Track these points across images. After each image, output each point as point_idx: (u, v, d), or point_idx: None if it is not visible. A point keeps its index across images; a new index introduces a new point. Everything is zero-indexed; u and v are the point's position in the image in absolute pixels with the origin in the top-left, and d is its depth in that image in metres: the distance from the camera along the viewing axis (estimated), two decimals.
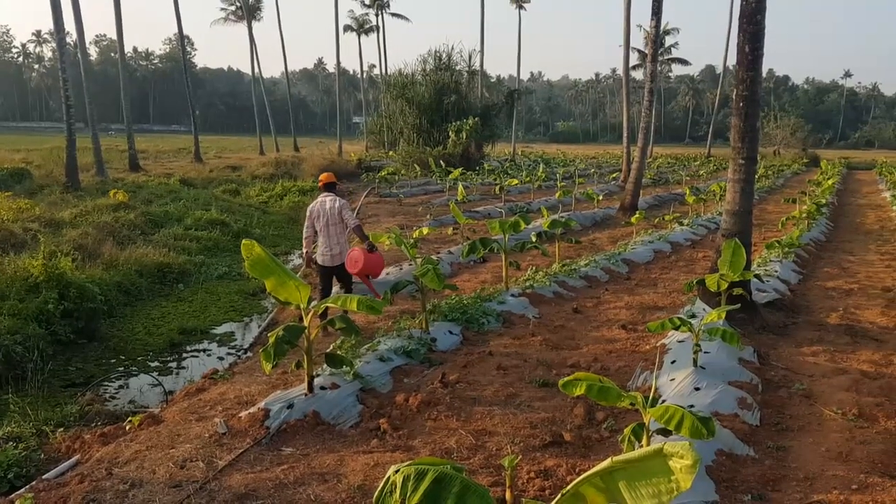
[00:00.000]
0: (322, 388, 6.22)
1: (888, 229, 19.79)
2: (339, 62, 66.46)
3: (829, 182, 30.35)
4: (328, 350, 7.04)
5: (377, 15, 70.37)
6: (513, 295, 10.00)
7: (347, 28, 72.80)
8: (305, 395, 6.07)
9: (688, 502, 4.18)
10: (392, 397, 6.37)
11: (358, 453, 5.21)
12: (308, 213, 8.96)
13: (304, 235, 9.06)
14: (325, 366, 6.47)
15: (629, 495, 2.29)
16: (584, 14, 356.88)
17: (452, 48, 40.95)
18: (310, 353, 6.08)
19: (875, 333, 8.67)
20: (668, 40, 72.42)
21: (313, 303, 6.44)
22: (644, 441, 4.31)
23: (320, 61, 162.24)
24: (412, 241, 12.62)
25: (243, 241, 5.91)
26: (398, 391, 6.53)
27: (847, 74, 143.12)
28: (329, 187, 9.00)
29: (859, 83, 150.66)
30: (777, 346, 8.17)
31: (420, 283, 8.21)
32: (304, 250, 9.10)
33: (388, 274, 11.57)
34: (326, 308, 6.85)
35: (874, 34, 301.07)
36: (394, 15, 72.28)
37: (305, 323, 6.07)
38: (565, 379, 4.51)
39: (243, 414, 5.84)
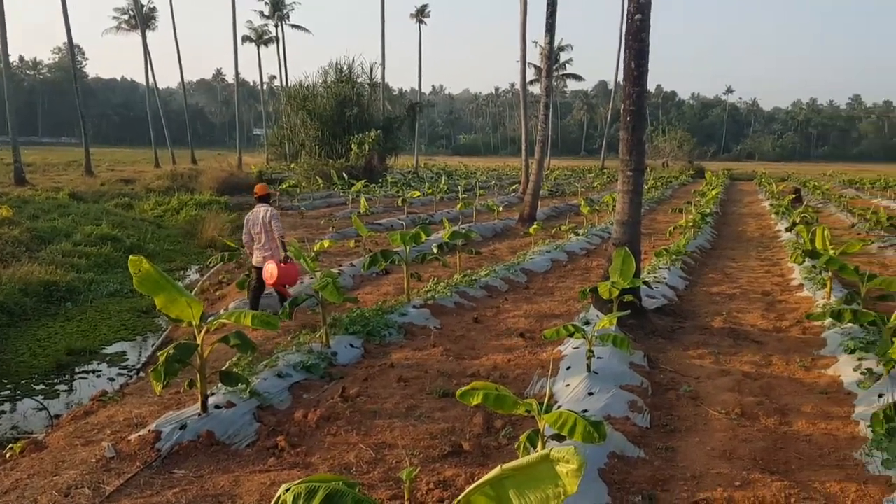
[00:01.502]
0: (217, 407, 6.03)
1: (767, 237, 21.05)
2: (237, 73, 64.84)
3: (714, 192, 32.00)
4: (223, 368, 6.84)
5: (277, 26, 69.41)
6: (414, 306, 10.02)
7: (246, 39, 71.41)
8: (199, 414, 5.87)
9: None
10: (291, 414, 6.26)
11: (254, 473, 5.09)
12: (245, 221, 10.15)
13: (244, 241, 10.26)
14: (220, 384, 6.29)
15: (518, 502, 2.34)
16: (484, 29, 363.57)
17: (354, 60, 40.88)
18: (203, 372, 5.89)
19: (756, 336, 9.18)
20: (563, 56, 74.89)
21: (210, 318, 6.26)
22: (539, 447, 4.40)
23: (219, 72, 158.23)
24: (313, 254, 12.50)
25: (130, 258, 5.67)
26: (297, 407, 6.42)
27: (729, 90, 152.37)
28: (263, 199, 10.19)
29: (740, 99, 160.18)
30: (666, 349, 8.53)
31: (320, 297, 8.11)
32: (248, 251, 10.30)
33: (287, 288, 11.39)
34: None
35: (754, 52, 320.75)
36: (294, 26, 71.51)
37: (198, 340, 5.88)
38: (462, 389, 4.56)
39: (133, 437, 5.59)
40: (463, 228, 14.71)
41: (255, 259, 10.04)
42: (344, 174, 32.50)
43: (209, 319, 6.27)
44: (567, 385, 6.65)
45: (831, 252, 10.68)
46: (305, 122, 38.21)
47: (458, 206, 23.23)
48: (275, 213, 10.00)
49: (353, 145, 35.74)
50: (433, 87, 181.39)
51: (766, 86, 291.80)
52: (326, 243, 12.88)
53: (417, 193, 28.59)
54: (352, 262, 13.99)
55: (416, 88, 75.88)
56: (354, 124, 37.61)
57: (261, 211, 9.95)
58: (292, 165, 41.77)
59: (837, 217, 26.67)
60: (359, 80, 40.33)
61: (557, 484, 2.30)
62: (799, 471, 5.18)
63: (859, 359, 7.44)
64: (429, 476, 4.89)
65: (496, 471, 2.38)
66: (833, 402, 6.64)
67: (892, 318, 6.78)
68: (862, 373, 7.02)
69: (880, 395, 6.29)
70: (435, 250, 12.14)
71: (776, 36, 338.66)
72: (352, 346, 8.27)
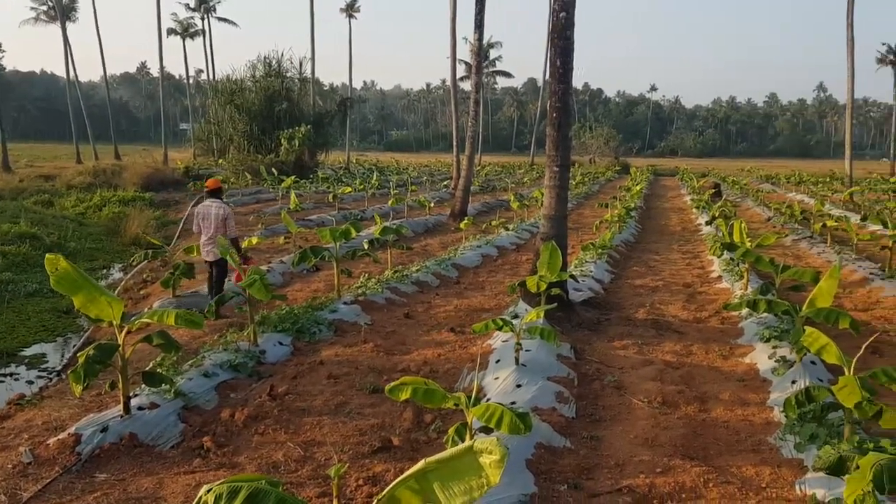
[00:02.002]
0: (140, 408, 5.87)
1: (689, 230, 21.75)
2: (162, 66, 62.70)
3: (638, 188, 32.84)
4: (147, 368, 6.66)
5: (203, 19, 67.73)
6: (345, 303, 9.97)
7: (171, 31, 69.42)
8: (121, 416, 5.70)
9: (508, 496, 4.35)
10: (217, 413, 6.15)
11: (179, 474, 4.98)
12: (195, 214, 10.03)
13: (194, 232, 10.27)
14: (144, 385, 6.13)
15: (443, 495, 2.36)
16: (415, 25, 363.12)
17: (283, 55, 40.38)
18: (125, 373, 5.73)
19: (677, 326, 9.49)
20: (493, 53, 75.51)
21: (132, 317, 6.09)
22: (467, 440, 4.45)
23: (143, 65, 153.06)
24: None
25: (47, 256, 5.46)
26: (224, 407, 6.31)
27: (653, 88, 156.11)
28: (215, 193, 9.99)
29: (664, 97, 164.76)
30: (592, 341, 8.73)
31: (247, 295, 7.98)
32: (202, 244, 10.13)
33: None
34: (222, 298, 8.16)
35: (677, 51, 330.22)
36: (221, 19, 69.83)
37: (119, 340, 5.71)
38: (392, 384, 4.58)
39: (52, 441, 5.39)
40: (394, 224, 14.72)
41: (204, 252, 9.99)
42: (273, 170, 32.02)
43: (131, 319, 6.11)
44: (496, 378, 6.73)
45: (748, 245, 11.11)
46: (233, 117, 37.52)
47: (390, 201, 23.19)
48: (229, 213, 9.89)
49: (282, 140, 35.26)
50: (364, 82, 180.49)
51: (688, 84, 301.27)
52: (255, 240, 12.69)
53: (349, 189, 28.40)
54: (281, 258, 13.81)
55: (347, 84, 75.32)
56: (284, 119, 37.17)
57: (212, 206, 9.84)
58: (220, 161, 40.89)
59: (755, 211, 27.74)
60: (288, 74, 39.89)
61: (481, 475, 2.33)
62: (717, 456, 5.39)
63: (774, 347, 7.79)
64: (358, 472, 4.89)
65: (420, 464, 2.40)
66: (749, 388, 6.92)
67: (804, 308, 7.09)
68: (776, 360, 7.34)
69: (793, 382, 6.60)
70: (366, 246, 12.08)
71: (697, 36, 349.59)
72: (281, 343, 8.18)
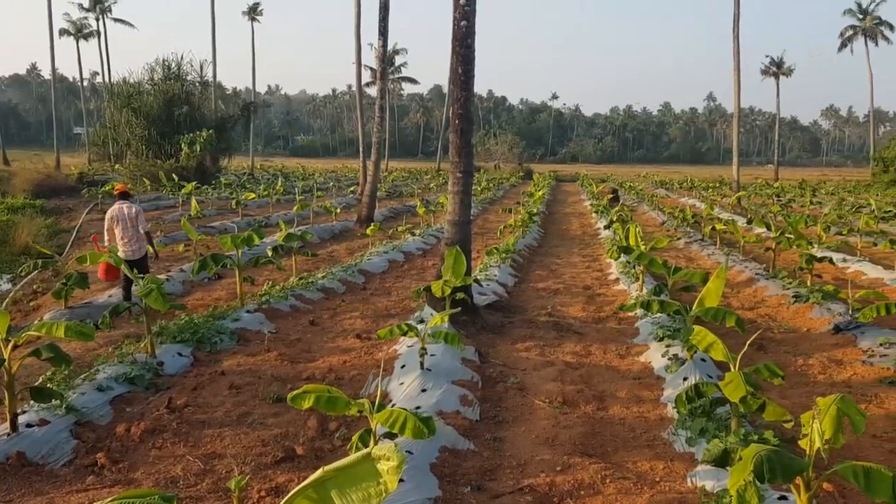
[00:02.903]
0: (29, 425, 5.58)
1: (589, 234, 22.43)
2: (54, 68, 59.55)
3: (540, 193, 33.61)
4: (37, 383, 6.34)
5: (98, 19, 64.81)
6: (248, 311, 9.77)
7: (64, 32, 66.01)
8: (8, 434, 5.41)
9: (413, 500, 4.38)
10: (112, 429, 5.91)
11: (71, 493, 4.76)
12: (108, 217, 10.45)
13: (105, 234, 10.59)
14: (32, 401, 5.82)
15: (341, 502, 2.36)
16: (320, 30, 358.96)
17: (182, 57, 39.10)
18: (11, 389, 5.43)
19: (577, 327, 9.78)
20: (398, 59, 75.64)
21: (19, 331, 5.78)
22: (371, 446, 4.45)
23: (34, 66, 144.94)
24: None
25: None
26: (119, 421, 6.07)
27: (554, 96, 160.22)
28: (125, 195, 10.69)
29: (564, 104, 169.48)
30: (496, 344, 8.88)
31: (144, 304, 7.71)
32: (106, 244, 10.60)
33: (110, 297, 10.77)
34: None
35: (577, 62, 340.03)
36: (117, 20, 67.02)
37: (4, 355, 5.41)
38: (294, 393, 4.53)
39: None
40: (299, 230, 14.52)
41: (122, 253, 10.24)
42: (174, 175, 31.06)
43: (18, 332, 5.81)
44: (401, 383, 6.76)
45: (642, 248, 11.58)
46: (131, 121, 36.17)
47: (295, 207, 22.88)
48: (140, 210, 10.55)
49: (183, 145, 34.28)
50: (269, 86, 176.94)
51: (588, 93, 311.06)
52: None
53: (253, 195, 27.83)
54: (182, 267, 13.40)
55: (251, 88, 73.71)
56: (185, 123, 36.16)
57: (124, 208, 10.35)
58: (117, 167, 39.34)
59: (650, 215, 28.88)
60: (189, 77, 38.81)
61: (379, 482, 2.35)
62: (614, 452, 5.59)
63: (667, 346, 8.14)
64: (260, 483, 4.81)
65: (318, 473, 2.40)
66: (644, 386, 7.22)
67: (694, 307, 7.46)
68: (669, 359, 7.68)
69: (685, 379, 6.92)
70: (270, 253, 11.89)
71: (596, 46, 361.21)
72: (180, 354, 7.94)
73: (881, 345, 8.22)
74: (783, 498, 4.38)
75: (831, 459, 4.32)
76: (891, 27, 67.30)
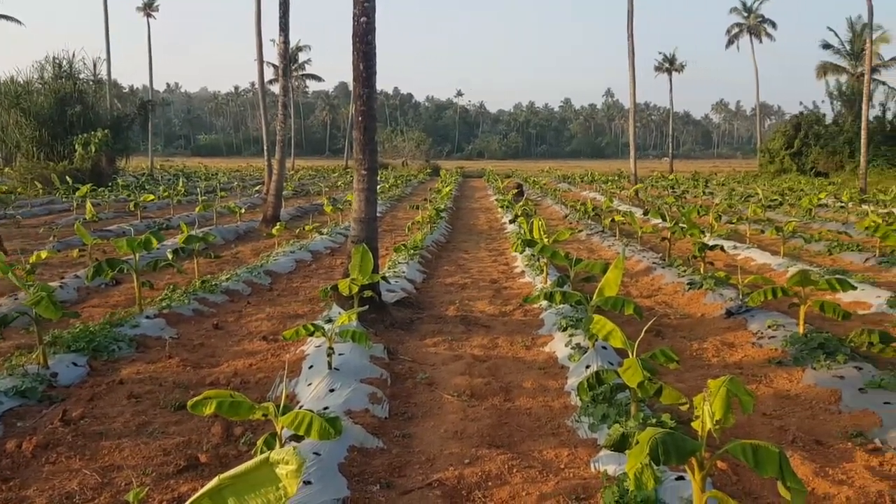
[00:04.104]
0: None
1: (495, 229, 22.77)
2: None
3: (448, 189, 33.89)
4: None
5: None
6: (148, 317, 9.42)
7: None
8: None
9: (321, 501, 4.34)
10: (2, 445, 5.58)
11: None
12: None
13: None
14: None
15: None
16: (220, 26, 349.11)
17: (74, 55, 37.41)
18: None
19: (484, 321, 9.91)
20: (302, 56, 74.57)
21: None
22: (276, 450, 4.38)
23: None
24: (28, 266, 11.21)
25: None
26: (9, 437, 5.73)
27: (459, 94, 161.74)
28: None
29: (469, 101, 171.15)
30: (405, 340, 8.90)
31: (34, 313, 7.32)
32: None
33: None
34: None
35: (480, 59, 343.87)
36: (1, 17, 63.00)
37: None
38: (194, 399, 4.41)
39: None
40: (201, 232, 14.12)
41: None
42: (67, 178, 29.67)
43: None
44: (309, 384, 6.69)
45: (546, 241, 11.85)
46: (20, 122, 34.43)
47: (198, 208, 22.20)
48: None
49: (77, 146, 32.87)
50: (168, 84, 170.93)
51: (492, 90, 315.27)
52: (44, 254, 11.63)
53: (152, 197, 26.81)
54: (76, 273, 12.79)
55: (148, 85, 70.97)
56: (78, 123, 34.76)
57: None
58: (6, 170, 37.25)
59: (554, 209, 29.58)
60: (81, 76, 37.26)
61: (278, 486, 2.31)
62: (521, 442, 5.70)
63: (570, 335, 8.36)
64: (162, 494, 4.66)
65: (215, 481, 2.34)
66: (549, 376, 7.39)
67: (594, 297, 7.70)
68: (572, 348, 7.89)
69: (587, 367, 7.12)
70: (170, 256, 11.50)
71: (500, 43, 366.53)
72: (75, 364, 7.57)
73: (769, 327, 8.71)
74: (681, 478, 4.55)
75: (724, 439, 4.55)
76: (773, 25, 71.31)
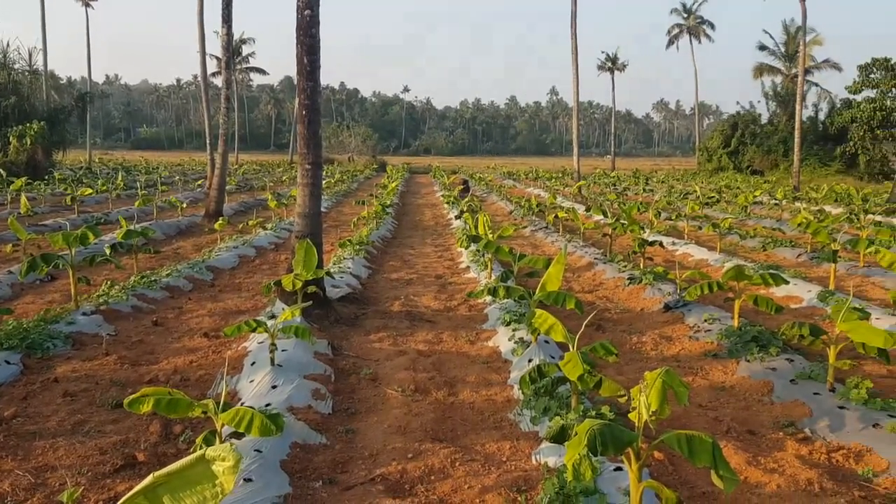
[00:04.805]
0: None
1: (441, 224, 22.83)
2: None
3: (394, 185, 33.81)
4: None
5: None
6: (84, 313, 9.17)
7: None
8: None
9: (262, 499, 4.31)
10: None
11: None
12: None
13: None
14: None
15: None
16: (162, 16, 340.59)
17: (8, 45, 36.23)
18: None
19: (429, 316, 9.95)
20: (246, 49, 73.32)
21: None
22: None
23: None
24: None
25: None
26: None
27: (406, 89, 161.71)
28: None
29: (416, 97, 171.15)
30: (350, 336, 8.87)
31: None
32: None
33: None
34: None
35: (428, 55, 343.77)
36: None
37: None
38: (131, 397, 4.32)
39: None
40: (140, 227, 13.79)
41: None
42: (1, 171, 28.72)
43: None
44: (251, 381, 6.61)
45: (490, 236, 11.94)
46: None
47: (137, 203, 21.69)
48: None
49: (11, 139, 31.86)
50: (107, 76, 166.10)
51: (439, 87, 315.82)
52: None
53: (90, 191, 26.09)
54: (10, 269, 12.35)
55: (87, 77, 68.80)
56: (13, 115, 33.82)
57: None
58: None
59: (499, 205, 29.80)
60: (15, 66, 36.10)
61: (215, 484, 2.29)
62: (464, 436, 5.75)
63: (514, 330, 8.46)
64: (98, 494, 4.55)
65: (149, 479, 2.30)
66: (493, 370, 7.47)
67: (537, 292, 7.80)
68: (515, 342, 7.99)
69: (530, 360, 7.21)
70: (108, 251, 11.24)
71: (445, 40, 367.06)
72: (7, 362, 7.32)
73: (705, 321, 8.96)
74: (619, 469, 4.66)
75: (661, 430, 4.68)
76: (712, 26, 73.12)
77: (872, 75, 41.87)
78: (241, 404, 5.66)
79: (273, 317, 8.73)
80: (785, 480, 4.81)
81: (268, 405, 5.76)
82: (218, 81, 61.65)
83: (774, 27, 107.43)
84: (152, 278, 11.53)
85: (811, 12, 43.04)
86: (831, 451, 5.34)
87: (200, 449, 4.30)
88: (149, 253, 13.03)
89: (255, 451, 4.75)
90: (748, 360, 7.33)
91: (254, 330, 6.87)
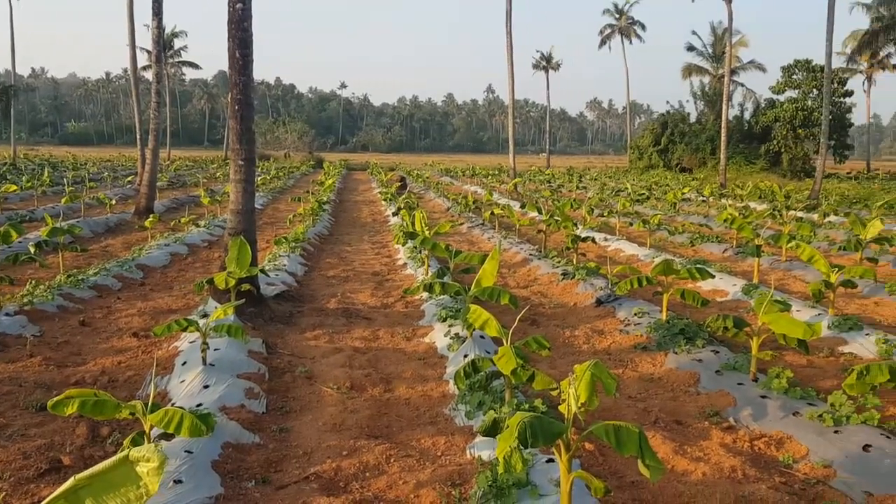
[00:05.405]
0: None
1: (378, 221, 22.76)
2: None
3: (331, 182, 33.54)
4: None
5: None
6: (7, 314, 8.83)
7: None
8: None
9: (193, 500, 4.24)
10: None
11: None
12: None
13: None
14: None
15: None
16: (90, 8, 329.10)
17: None
18: None
19: (366, 313, 9.93)
20: (178, 43, 71.45)
21: None
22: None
23: None
24: None
25: None
26: None
27: (343, 86, 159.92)
28: None
29: (353, 94, 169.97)
30: (285, 334, 8.79)
31: None
32: None
33: None
34: None
35: (364, 53, 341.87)
36: None
37: None
38: (55, 399, 4.20)
39: None
40: (66, 224, 13.33)
41: None
42: None
43: None
44: (182, 381, 6.49)
45: (427, 233, 11.99)
46: None
47: (64, 200, 20.98)
48: None
49: None
50: (33, 69, 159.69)
51: (376, 83, 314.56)
52: None
53: (14, 188, 25.07)
54: None
55: (11, 70, 65.98)
56: None
57: None
58: None
59: (436, 202, 29.87)
60: None
61: (139, 485, 2.25)
62: (399, 432, 5.78)
63: (450, 325, 8.52)
64: (21, 500, 4.41)
65: (70, 482, 2.25)
66: (429, 366, 7.51)
67: (472, 288, 7.87)
68: (451, 338, 8.05)
69: (465, 356, 7.28)
70: (32, 250, 10.85)
71: (382, 36, 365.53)
72: None
73: (635, 314, 9.19)
74: (551, 460, 4.74)
75: (592, 421, 4.78)
76: (643, 27, 74.75)
77: (794, 76, 43.53)
78: (172, 405, 5.56)
79: (205, 315, 8.57)
80: (710, 468, 4.99)
81: (199, 405, 5.67)
82: (149, 75, 60.06)
83: (703, 28, 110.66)
84: (79, 277, 11.18)
85: (737, 15, 44.48)
86: (754, 439, 5.55)
87: (127, 451, 4.23)
88: (76, 251, 12.62)
89: (185, 451, 4.67)
90: (676, 353, 7.56)
91: (185, 329, 6.75)
